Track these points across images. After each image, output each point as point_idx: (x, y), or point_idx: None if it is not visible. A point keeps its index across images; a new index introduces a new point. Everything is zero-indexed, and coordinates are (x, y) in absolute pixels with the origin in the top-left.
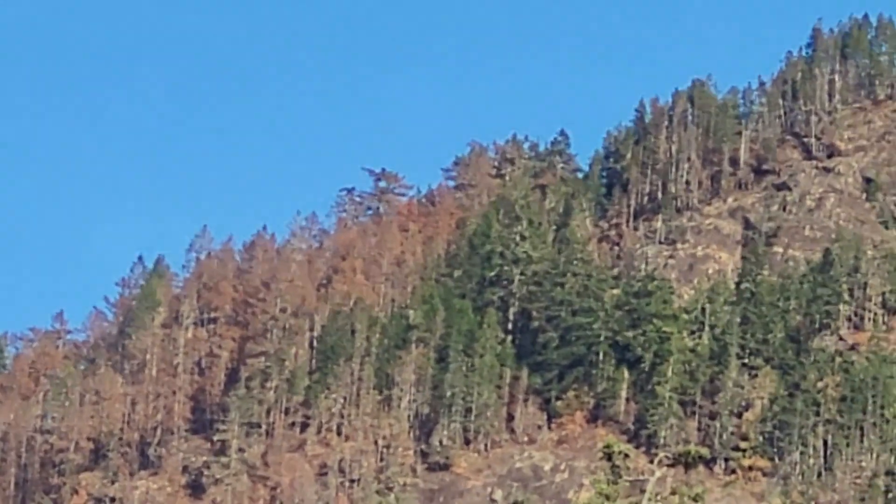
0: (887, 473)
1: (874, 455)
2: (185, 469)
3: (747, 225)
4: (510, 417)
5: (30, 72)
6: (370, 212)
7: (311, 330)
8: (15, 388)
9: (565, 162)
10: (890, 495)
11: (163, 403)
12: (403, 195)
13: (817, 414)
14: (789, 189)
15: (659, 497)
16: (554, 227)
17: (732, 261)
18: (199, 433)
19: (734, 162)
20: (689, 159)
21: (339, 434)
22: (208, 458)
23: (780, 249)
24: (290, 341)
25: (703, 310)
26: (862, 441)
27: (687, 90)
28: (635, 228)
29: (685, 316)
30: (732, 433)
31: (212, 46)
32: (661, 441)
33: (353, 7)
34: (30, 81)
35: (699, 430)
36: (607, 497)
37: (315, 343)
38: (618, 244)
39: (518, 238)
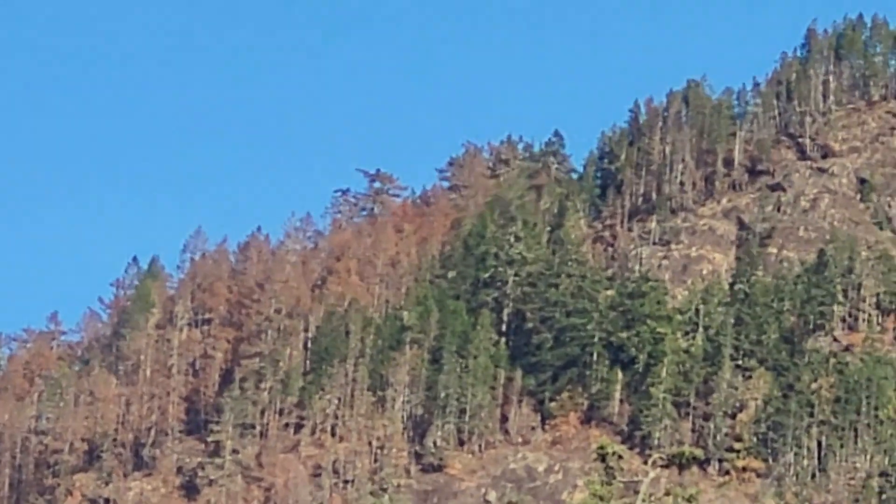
0: (881, 474)
1: (868, 456)
2: (179, 470)
3: (741, 226)
4: (504, 418)
5: (23, 72)
6: (365, 213)
7: (306, 331)
8: (9, 389)
9: (560, 163)
10: (884, 496)
11: (157, 404)
12: (398, 196)
13: (811, 415)
14: (783, 190)
15: (653, 498)
16: (548, 228)
17: (726, 261)
18: (193, 434)
19: (728, 162)
20: (683, 160)
21: (333, 435)
22: (202, 458)
23: (775, 250)
24: (284, 342)
25: (698, 311)
26: (856, 442)
27: (681, 91)
28: (629, 229)
29: (679, 317)
30: (726, 434)
31: (206, 47)
32: (655, 442)
33: (347, 8)
34: (23, 82)
35: (693, 431)
36: (601, 498)
37: (309, 344)
38: (612, 245)
39: (512, 239)
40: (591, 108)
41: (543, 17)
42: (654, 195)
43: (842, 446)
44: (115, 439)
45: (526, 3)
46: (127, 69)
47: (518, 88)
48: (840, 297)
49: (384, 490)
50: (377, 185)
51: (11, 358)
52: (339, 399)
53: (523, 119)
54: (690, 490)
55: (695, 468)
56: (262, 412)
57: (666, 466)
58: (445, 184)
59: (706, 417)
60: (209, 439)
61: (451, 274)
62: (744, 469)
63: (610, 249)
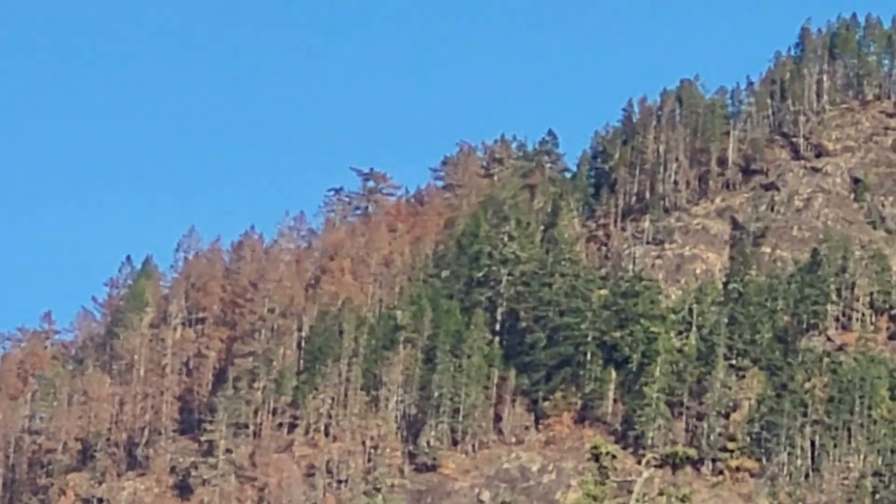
0: (875, 474)
1: (862, 456)
2: (172, 469)
3: (735, 225)
4: (498, 418)
5: (18, 72)
6: (358, 212)
7: (299, 330)
8: (3, 389)
9: (553, 162)
10: (877, 496)
11: (150, 404)
12: (392, 195)
13: (805, 415)
14: (777, 189)
15: (646, 498)
16: (542, 227)
17: (720, 261)
18: (186, 433)
19: (722, 162)
20: (677, 159)
21: (326, 435)
22: (196, 458)
23: (768, 250)
24: (277, 341)
25: (691, 310)
26: (849, 442)
27: (675, 90)
28: (623, 228)
29: (673, 316)
30: (720, 434)
31: (198, 48)
32: (649, 442)
33: (341, 8)
34: (18, 82)
35: (687, 430)
36: (595, 498)
37: (303, 343)
38: (606, 244)
39: (506, 238)
40: (584, 108)
41: (537, 16)
42: (647, 194)
43: (835, 446)
44: (108, 439)
45: (520, 2)
46: (120, 69)
47: (512, 87)
48: (833, 297)
49: (378, 490)
50: (371, 184)
51: (5, 357)
52: (333, 398)
53: (517, 118)
54: (684, 490)
55: (688, 468)
56: (256, 412)
57: (659, 466)
58: (439, 183)
59: (700, 417)
60: (203, 439)
61: (444, 273)
62: (737, 469)
63: (603, 249)
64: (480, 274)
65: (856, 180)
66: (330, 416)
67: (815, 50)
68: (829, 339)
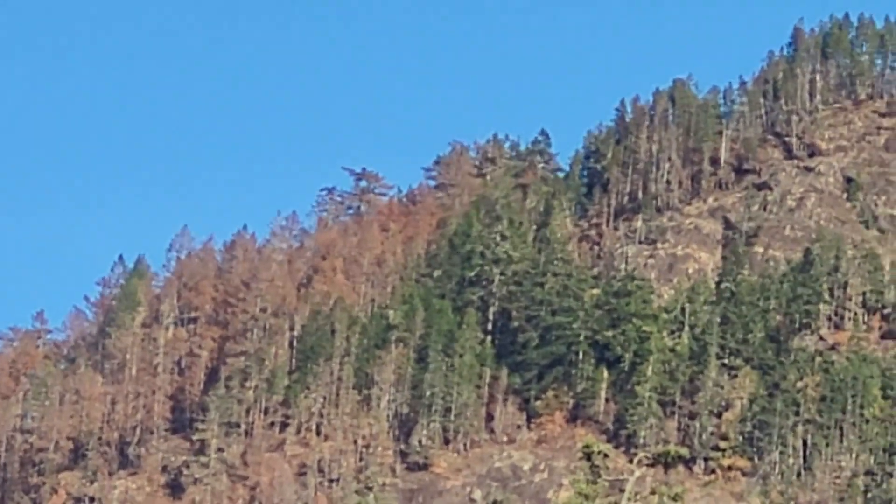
0: (867, 473)
1: (854, 455)
2: (164, 468)
3: (727, 225)
4: (489, 417)
5: (10, 73)
6: (351, 211)
7: (291, 329)
8: None
9: (546, 161)
10: (869, 495)
11: (142, 403)
12: (384, 195)
13: (797, 414)
14: (770, 189)
15: (638, 497)
16: (534, 227)
17: (712, 260)
18: (178, 433)
19: (715, 161)
20: (669, 159)
21: (318, 434)
22: (188, 457)
23: (761, 249)
24: (269, 341)
25: (683, 309)
26: (841, 441)
27: (668, 89)
28: (615, 228)
29: (665, 316)
30: (712, 433)
31: (190, 47)
32: (641, 441)
33: (334, 7)
34: (9, 82)
35: (679, 429)
36: (586, 497)
37: (295, 343)
38: (598, 244)
39: (498, 238)
40: (577, 107)
41: (529, 16)
42: (640, 194)
43: (827, 445)
44: (100, 438)
45: (512, 3)
46: (112, 70)
47: (504, 87)
48: (826, 296)
49: (369, 489)
50: (363, 183)
51: None
52: (325, 398)
53: (510, 118)
54: (676, 489)
55: (680, 467)
56: (248, 411)
57: (651, 465)
58: (431, 182)
59: (692, 416)
60: (194, 438)
61: (436, 273)
62: (729, 468)
63: (596, 248)
64: (472, 273)
65: (848, 180)
66: (322, 416)
67: (807, 49)
68: (821, 338)
